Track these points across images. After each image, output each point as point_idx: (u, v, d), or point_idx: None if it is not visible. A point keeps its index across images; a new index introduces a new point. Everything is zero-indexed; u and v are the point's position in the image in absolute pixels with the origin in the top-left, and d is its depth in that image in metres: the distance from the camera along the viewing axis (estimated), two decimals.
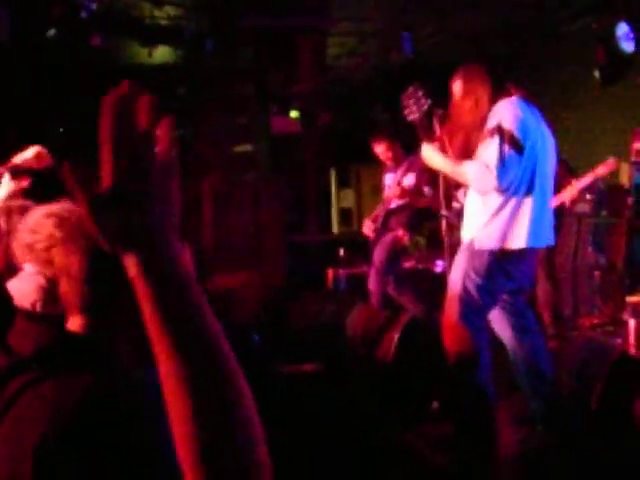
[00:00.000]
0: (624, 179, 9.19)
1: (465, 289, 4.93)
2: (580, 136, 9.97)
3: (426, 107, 5.09)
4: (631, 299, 6.32)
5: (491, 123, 4.80)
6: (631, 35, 8.47)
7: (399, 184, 8.08)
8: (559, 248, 7.63)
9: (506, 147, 4.68)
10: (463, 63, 5.17)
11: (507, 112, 4.79)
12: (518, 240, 4.87)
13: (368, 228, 8.48)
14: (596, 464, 4.31)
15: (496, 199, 4.87)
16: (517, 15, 9.64)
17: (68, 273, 1.68)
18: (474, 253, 4.96)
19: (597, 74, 9.13)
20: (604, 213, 8.20)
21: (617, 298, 7.36)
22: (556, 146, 5.20)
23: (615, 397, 4.55)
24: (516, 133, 4.71)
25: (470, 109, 4.98)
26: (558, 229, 6.07)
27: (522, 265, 5.05)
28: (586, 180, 7.18)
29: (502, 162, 4.68)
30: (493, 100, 4.92)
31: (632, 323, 6.03)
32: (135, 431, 1.54)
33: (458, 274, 5.01)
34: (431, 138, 5.13)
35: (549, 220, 5.11)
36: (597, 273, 8.07)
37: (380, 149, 8.38)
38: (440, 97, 5.19)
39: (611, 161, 7.22)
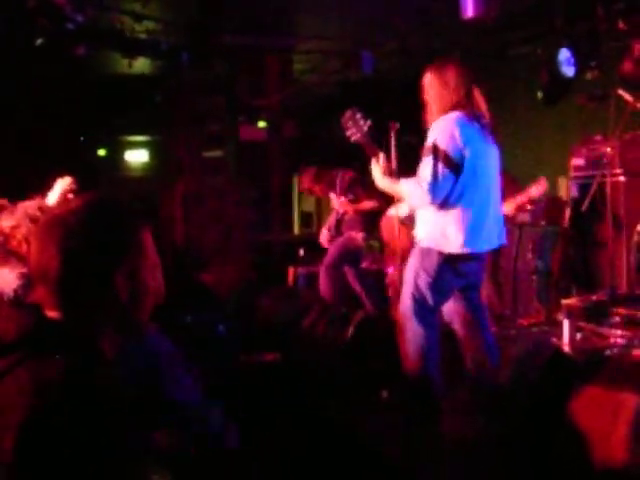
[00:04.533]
0: (562, 192, 9.27)
1: (417, 288, 4.93)
2: (525, 152, 10.05)
3: (366, 128, 5.07)
4: (566, 301, 6.37)
5: (429, 141, 4.81)
6: (572, 60, 8.54)
7: (345, 198, 8.17)
8: (503, 253, 7.67)
9: (440, 166, 4.70)
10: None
11: (443, 131, 4.78)
12: (454, 245, 4.88)
13: (324, 237, 8.51)
14: (532, 453, 4.34)
15: (440, 205, 4.86)
16: (469, 37, 9.70)
17: (44, 275, 1.68)
18: (424, 253, 4.96)
19: (540, 95, 9.19)
20: (542, 223, 8.26)
21: (553, 300, 7.41)
22: (502, 159, 5.20)
23: (550, 390, 4.58)
24: (451, 153, 4.72)
25: (446, 101, 4.95)
26: None
27: (470, 264, 5.05)
28: (522, 198, 7.13)
29: (435, 180, 4.70)
30: (467, 98, 4.91)
31: (566, 323, 6.09)
32: (105, 406, 1.57)
33: (411, 273, 5.01)
34: (376, 156, 5.12)
35: (493, 226, 5.06)
36: (535, 277, 8.11)
37: (306, 187, 8.50)
38: (397, 111, 5.16)
39: (542, 182, 7.11)
